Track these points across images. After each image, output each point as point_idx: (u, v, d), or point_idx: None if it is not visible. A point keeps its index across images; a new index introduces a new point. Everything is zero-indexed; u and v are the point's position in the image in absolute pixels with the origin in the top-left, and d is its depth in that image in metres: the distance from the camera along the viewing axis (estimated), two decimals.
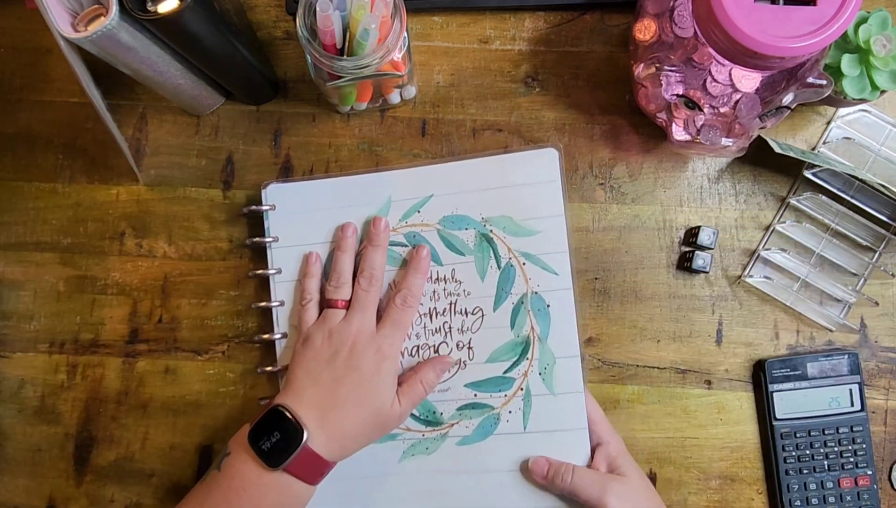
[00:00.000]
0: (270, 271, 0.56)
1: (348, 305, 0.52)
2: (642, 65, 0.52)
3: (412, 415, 0.55)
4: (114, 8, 0.43)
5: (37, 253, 0.61)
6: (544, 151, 0.55)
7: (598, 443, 0.53)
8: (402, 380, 0.52)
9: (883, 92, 0.53)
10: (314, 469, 0.47)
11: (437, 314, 0.55)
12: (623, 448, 0.53)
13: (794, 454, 0.56)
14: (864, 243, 0.58)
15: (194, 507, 0.47)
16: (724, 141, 0.51)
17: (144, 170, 0.61)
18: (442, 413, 0.54)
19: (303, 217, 0.57)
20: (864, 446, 0.55)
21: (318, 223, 0.57)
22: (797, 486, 0.55)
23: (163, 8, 0.43)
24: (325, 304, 0.53)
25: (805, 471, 0.56)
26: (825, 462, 0.55)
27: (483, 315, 0.55)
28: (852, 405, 0.56)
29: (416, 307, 0.54)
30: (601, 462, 0.51)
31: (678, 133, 0.53)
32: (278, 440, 0.46)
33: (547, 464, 0.52)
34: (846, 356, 0.56)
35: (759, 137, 0.56)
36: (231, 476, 0.46)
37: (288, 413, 0.47)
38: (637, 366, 0.58)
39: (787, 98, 0.48)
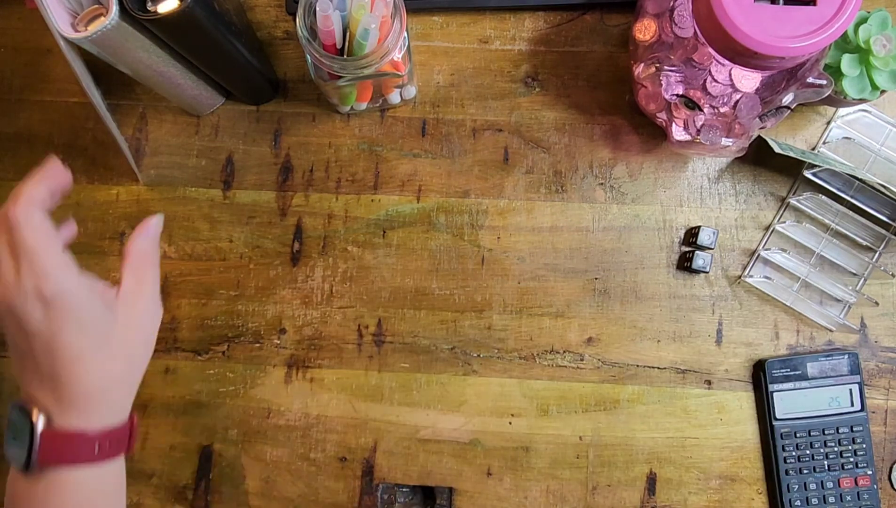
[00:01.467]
0: None
1: None
2: (642, 65, 0.52)
3: None
4: (114, 8, 0.43)
5: None
6: None
7: None
8: (121, 273, 0.41)
9: (883, 92, 0.53)
10: (78, 447, 0.37)
11: None
12: None
13: (794, 454, 0.56)
14: (864, 243, 0.58)
15: None
16: (724, 141, 0.51)
17: (144, 170, 0.61)
18: None
19: None
20: (864, 446, 0.55)
21: None
22: (797, 486, 0.55)
23: (162, 8, 0.43)
24: None
25: (805, 471, 0.56)
26: (825, 462, 0.55)
27: None
28: (852, 405, 0.56)
29: (26, 219, 0.36)
30: None
31: (678, 133, 0.53)
32: (19, 436, 0.37)
33: None
34: (846, 356, 0.56)
35: (759, 137, 0.56)
36: (8, 494, 0.39)
37: (11, 405, 0.38)
38: (637, 366, 0.58)
39: (787, 98, 0.48)
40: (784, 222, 0.58)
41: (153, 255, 0.42)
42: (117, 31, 0.44)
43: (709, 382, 0.58)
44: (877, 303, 0.57)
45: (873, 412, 0.57)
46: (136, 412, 0.42)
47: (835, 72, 0.52)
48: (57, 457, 0.37)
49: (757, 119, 0.50)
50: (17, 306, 0.36)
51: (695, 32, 0.47)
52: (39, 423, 0.37)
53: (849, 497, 0.55)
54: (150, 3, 0.44)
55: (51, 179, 0.38)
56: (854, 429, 0.56)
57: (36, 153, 0.61)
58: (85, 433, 0.38)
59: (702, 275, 0.58)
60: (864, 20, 0.52)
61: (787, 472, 0.56)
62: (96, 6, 0.46)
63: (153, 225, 0.43)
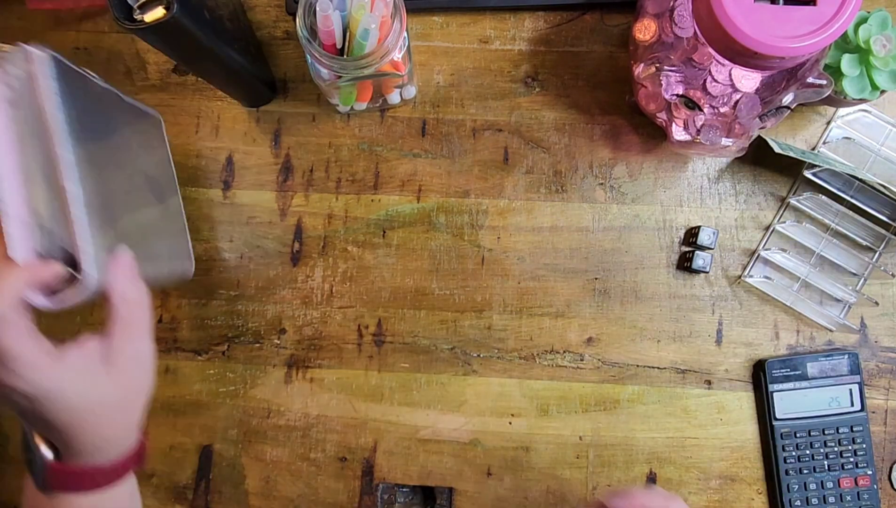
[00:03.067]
0: None
1: None
2: (642, 65, 0.52)
3: None
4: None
5: None
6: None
7: None
8: (107, 328, 0.40)
9: (883, 92, 0.53)
10: (85, 480, 0.39)
11: None
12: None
13: (794, 454, 0.56)
14: (864, 243, 0.58)
15: None
16: (724, 141, 0.51)
17: None
18: None
19: None
20: (864, 446, 0.55)
21: None
22: (797, 486, 0.55)
23: (149, 17, 0.43)
24: None
25: (805, 471, 0.56)
26: (825, 462, 0.55)
27: None
28: (852, 405, 0.56)
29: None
30: None
31: (678, 133, 0.53)
32: (32, 460, 0.39)
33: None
34: (846, 356, 0.56)
35: (759, 137, 0.56)
36: (26, 497, 0.40)
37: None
38: (637, 366, 0.58)
39: (787, 98, 0.48)
40: (784, 222, 0.58)
41: (143, 296, 0.41)
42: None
43: (709, 382, 0.58)
44: (877, 303, 0.57)
45: (873, 412, 0.57)
46: (146, 430, 0.42)
47: (835, 72, 0.52)
48: (65, 487, 0.39)
49: (757, 119, 0.50)
50: (3, 396, 0.35)
51: (695, 32, 0.47)
52: (47, 457, 0.38)
53: (849, 497, 0.55)
54: (136, 12, 0.43)
55: (37, 273, 0.37)
56: (854, 429, 0.56)
57: None
58: (91, 468, 0.38)
59: (702, 275, 0.58)
60: (864, 20, 0.52)
61: (787, 472, 0.56)
62: None
63: (128, 261, 0.41)
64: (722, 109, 0.50)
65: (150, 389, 0.42)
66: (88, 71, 0.43)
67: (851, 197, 0.57)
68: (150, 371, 0.41)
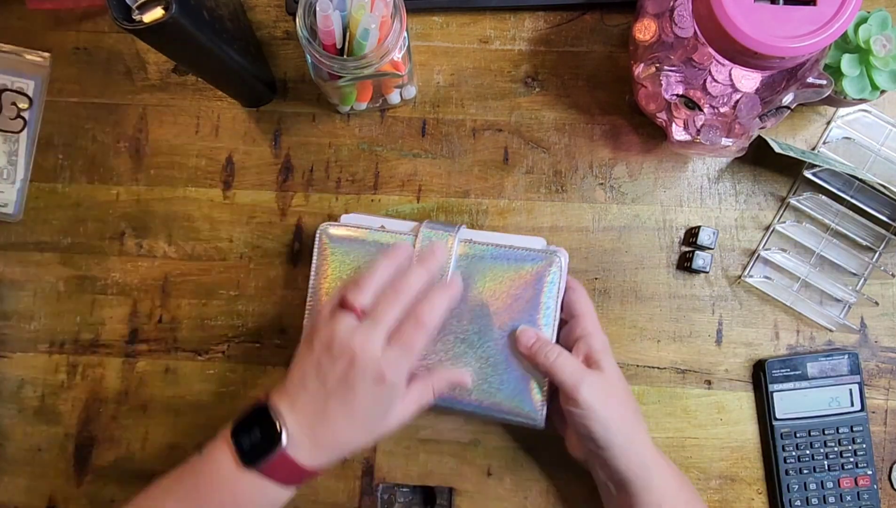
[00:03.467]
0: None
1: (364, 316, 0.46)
2: (642, 65, 0.52)
3: None
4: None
5: (37, 253, 0.61)
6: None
7: (581, 335, 0.50)
8: (412, 381, 0.48)
9: (883, 92, 0.53)
10: (291, 475, 0.44)
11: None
12: (607, 345, 0.50)
13: (794, 454, 0.56)
14: (864, 243, 0.58)
15: (163, 491, 0.45)
16: (724, 141, 0.51)
17: (144, 170, 0.61)
18: None
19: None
20: (864, 446, 0.55)
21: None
22: (797, 486, 0.55)
23: (148, 17, 0.43)
24: (340, 302, 0.46)
25: (805, 471, 0.56)
26: (825, 462, 0.55)
27: None
28: (852, 405, 0.56)
29: (432, 329, 0.46)
30: (580, 352, 0.49)
31: (678, 133, 0.53)
32: (258, 439, 0.43)
33: (535, 337, 0.49)
34: (846, 356, 0.56)
35: (759, 137, 0.56)
36: (208, 464, 0.45)
37: (272, 414, 0.44)
38: (637, 366, 0.58)
39: (787, 98, 0.48)
40: (784, 222, 0.58)
41: (448, 386, 0.50)
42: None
43: (709, 382, 0.58)
44: (877, 303, 0.57)
45: (873, 412, 0.57)
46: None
47: (835, 72, 0.52)
48: (273, 473, 0.43)
49: (757, 119, 0.50)
50: (364, 359, 0.43)
51: (695, 32, 0.47)
52: (283, 443, 0.43)
53: (849, 497, 0.55)
54: (135, 13, 0.43)
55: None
56: (854, 429, 0.56)
57: (36, 153, 0.61)
58: (305, 468, 0.44)
59: (702, 275, 0.58)
60: (864, 20, 0.52)
61: (787, 472, 0.56)
62: None
63: (462, 378, 0.51)
64: (722, 109, 0.50)
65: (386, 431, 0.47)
66: None
67: (851, 197, 0.57)
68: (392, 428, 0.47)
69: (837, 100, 0.55)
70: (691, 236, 0.58)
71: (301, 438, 0.44)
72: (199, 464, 0.45)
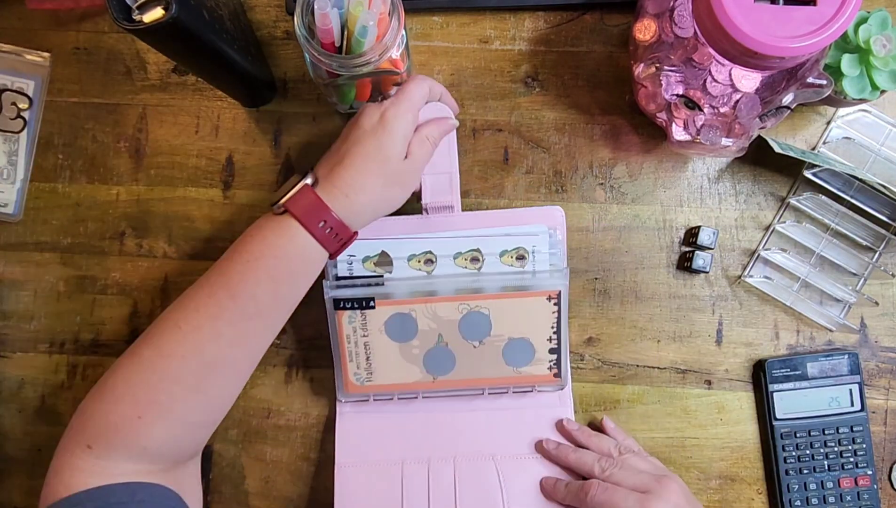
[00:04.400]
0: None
1: None
2: (642, 65, 0.52)
3: None
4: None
5: (37, 253, 0.61)
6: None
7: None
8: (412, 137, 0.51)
9: (883, 92, 0.53)
10: (313, 211, 0.46)
11: None
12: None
13: (794, 454, 0.56)
14: (864, 243, 0.58)
15: (209, 271, 0.48)
16: (724, 141, 0.51)
17: (144, 170, 0.61)
18: None
19: None
20: (864, 446, 0.55)
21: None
22: (797, 486, 0.55)
23: (148, 17, 0.43)
24: None
25: (805, 471, 0.55)
26: (825, 462, 0.55)
27: None
28: (852, 405, 0.56)
29: (423, 87, 0.50)
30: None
31: (678, 133, 0.53)
32: (288, 186, 0.47)
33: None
34: (846, 356, 0.56)
35: (759, 137, 0.56)
36: (254, 227, 0.49)
37: (308, 170, 0.48)
38: (637, 366, 0.58)
39: (787, 98, 0.48)
40: (784, 222, 0.58)
41: (437, 140, 0.52)
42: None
43: (709, 382, 0.58)
44: (877, 303, 0.57)
45: (873, 412, 0.57)
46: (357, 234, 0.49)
47: (835, 72, 0.52)
48: (297, 208, 0.46)
49: (757, 119, 0.50)
50: (368, 111, 0.49)
51: (695, 32, 0.47)
52: (307, 179, 0.47)
53: (849, 497, 0.55)
54: (135, 13, 0.43)
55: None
56: (854, 429, 0.56)
57: (36, 153, 0.61)
58: (327, 207, 0.46)
59: (702, 275, 0.58)
60: (864, 20, 0.52)
61: (787, 472, 0.56)
62: None
63: (450, 125, 0.53)
64: (722, 109, 0.50)
65: (395, 205, 0.51)
66: None
67: (851, 197, 0.57)
68: (408, 193, 0.51)
69: (837, 100, 0.55)
70: (691, 236, 0.58)
71: (324, 182, 0.47)
72: (246, 233, 0.49)
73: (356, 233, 0.49)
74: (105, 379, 0.45)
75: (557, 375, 0.55)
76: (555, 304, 0.55)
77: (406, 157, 0.49)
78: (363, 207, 0.48)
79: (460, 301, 0.55)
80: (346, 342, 0.56)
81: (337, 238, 0.47)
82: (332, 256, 0.48)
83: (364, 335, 0.56)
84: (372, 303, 0.55)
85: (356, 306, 0.55)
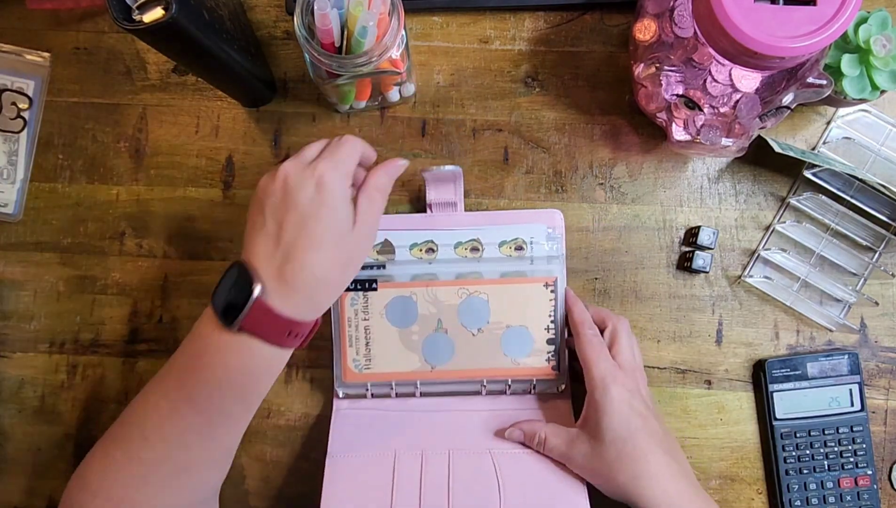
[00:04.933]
0: None
1: None
2: (642, 65, 0.52)
3: None
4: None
5: (37, 253, 0.61)
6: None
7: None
8: (356, 197, 0.46)
9: (883, 92, 0.53)
10: (275, 328, 0.42)
11: None
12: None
13: (794, 454, 0.56)
14: (864, 243, 0.58)
15: (163, 373, 0.44)
16: (724, 141, 0.51)
17: (144, 170, 0.61)
18: None
19: None
20: (864, 446, 0.55)
21: None
22: (797, 486, 0.55)
23: (148, 17, 0.43)
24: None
25: (805, 471, 0.55)
26: (825, 462, 0.55)
27: None
28: (852, 405, 0.56)
29: (357, 145, 0.46)
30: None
31: (678, 133, 0.53)
32: (234, 296, 0.41)
33: (520, 432, 0.53)
34: (846, 356, 0.56)
35: (759, 137, 0.56)
36: (195, 339, 0.43)
37: (242, 268, 0.42)
38: None
39: (787, 98, 0.48)
40: (784, 222, 0.58)
41: (387, 189, 0.47)
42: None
43: (709, 382, 0.58)
44: (877, 303, 0.57)
45: (873, 412, 0.57)
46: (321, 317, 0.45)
47: (835, 72, 0.52)
48: (255, 328, 0.41)
49: (757, 119, 0.50)
50: (295, 179, 0.43)
51: (695, 32, 0.47)
52: (256, 292, 0.41)
53: (849, 497, 0.55)
54: (135, 13, 0.43)
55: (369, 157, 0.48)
56: (854, 429, 0.56)
57: (36, 153, 0.61)
58: (286, 318, 0.42)
59: (702, 275, 0.58)
60: (864, 20, 0.52)
61: (787, 472, 0.56)
62: None
63: (398, 166, 0.48)
64: (722, 109, 0.50)
65: (352, 277, 0.46)
66: None
67: (851, 197, 0.57)
68: (361, 261, 0.46)
69: (837, 100, 0.55)
70: (691, 236, 0.58)
71: (274, 285, 0.42)
72: (187, 342, 0.44)
73: (317, 323, 0.45)
74: (83, 469, 0.45)
75: (556, 368, 0.55)
76: (552, 291, 0.55)
77: (355, 223, 0.44)
78: (328, 298, 0.45)
79: (460, 286, 0.56)
80: (348, 326, 0.56)
81: (303, 336, 0.44)
82: (299, 348, 0.45)
83: (365, 319, 0.56)
84: (374, 285, 0.56)
85: (359, 287, 0.56)
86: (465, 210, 0.58)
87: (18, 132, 0.61)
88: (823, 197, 0.57)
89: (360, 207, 0.45)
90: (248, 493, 0.58)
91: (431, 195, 0.56)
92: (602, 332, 0.53)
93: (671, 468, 0.47)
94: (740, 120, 0.50)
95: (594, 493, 0.50)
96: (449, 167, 0.53)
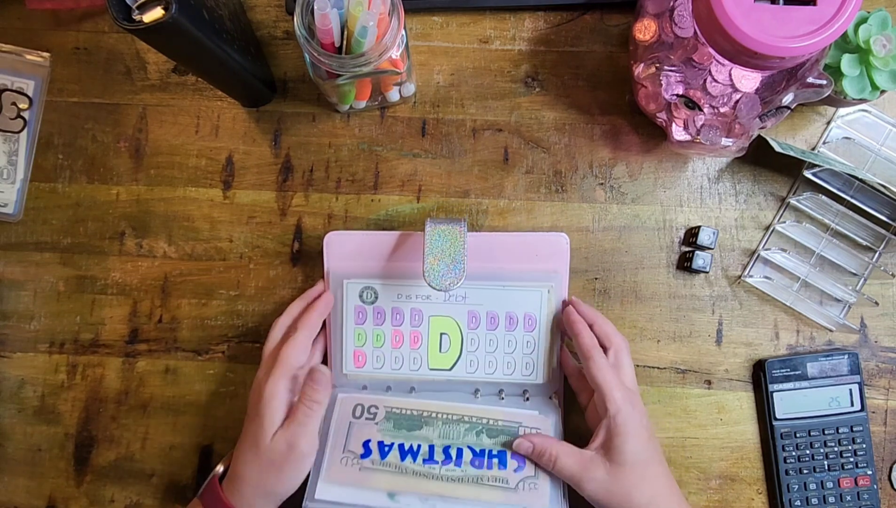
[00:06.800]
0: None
1: None
2: (642, 65, 0.52)
3: None
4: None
5: (37, 253, 0.61)
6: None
7: (603, 415, 0.50)
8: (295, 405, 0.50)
9: (883, 92, 0.53)
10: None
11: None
12: (627, 418, 0.50)
13: (794, 454, 0.56)
14: (864, 243, 0.58)
15: None
16: (724, 141, 0.51)
17: (144, 170, 0.61)
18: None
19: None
20: (864, 446, 0.55)
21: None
22: (797, 486, 0.55)
23: (148, 17, 0.43)
24: None
25: (805, 471, 0.55)
26: (825, 462, 0.55)
27: None
28: (852, 405, 0.56)
29: (303, 343, 0.51)
30: (599, 437, 0.50)
31: (678, 133, 0.53)
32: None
33: (531, 447, 0.51)
34: (846, 356, 0.56)
35: (759, 137, 0.56)
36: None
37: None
38: (637, 366, 0.58)
39: (787, 98, 0.48)
40: (784, 222, 0.58)
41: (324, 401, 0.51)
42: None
43: (709, 382, 0.58)
44: (877, 303, 0.57)
45: (873, 412, 0.57)
46: None
47: (835, 72, 0.52)
48: (210, 502, 0.49)
49: (757, 119, 0.50)
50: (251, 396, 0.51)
51: (695, 32, 0.47)
52: (219, 470, 0.52)
53: (849, 497, 0.55)
54: (135, 13, 0.43)
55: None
56: (854, 429, 0.56)
57: (36, 153, 0.61)
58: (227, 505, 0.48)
59: (702, 275, 0.58)
60: (864, 20, 0.52)
61: (787, 472, 0.56)
62: None
63: (322, 310, 0.55)
64: (722, 109, 0.50)
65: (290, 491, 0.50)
66: None
67: (851, 197, 0.57)
68: (302, 476, 0.50)
69: (837, 100, 0.55)
70: (691, 236, 0.58)
71: (230, 475, 0.50)
72: None
73: None
74: None
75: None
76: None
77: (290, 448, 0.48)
78: (256, 499, 0.49)
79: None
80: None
81: None
82: None
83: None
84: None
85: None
86: (464, 211, 0.57)
87: (18, 132, 0.61)
88: (823, 197, 0.57)
89: (291, 417, 0.49)
90: None
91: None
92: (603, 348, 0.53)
93: (673, 485, 0.50)
94: (740, 120, 0.50)
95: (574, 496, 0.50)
96: (450, 224, 0.52)
